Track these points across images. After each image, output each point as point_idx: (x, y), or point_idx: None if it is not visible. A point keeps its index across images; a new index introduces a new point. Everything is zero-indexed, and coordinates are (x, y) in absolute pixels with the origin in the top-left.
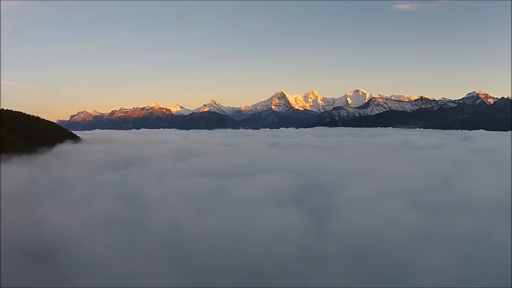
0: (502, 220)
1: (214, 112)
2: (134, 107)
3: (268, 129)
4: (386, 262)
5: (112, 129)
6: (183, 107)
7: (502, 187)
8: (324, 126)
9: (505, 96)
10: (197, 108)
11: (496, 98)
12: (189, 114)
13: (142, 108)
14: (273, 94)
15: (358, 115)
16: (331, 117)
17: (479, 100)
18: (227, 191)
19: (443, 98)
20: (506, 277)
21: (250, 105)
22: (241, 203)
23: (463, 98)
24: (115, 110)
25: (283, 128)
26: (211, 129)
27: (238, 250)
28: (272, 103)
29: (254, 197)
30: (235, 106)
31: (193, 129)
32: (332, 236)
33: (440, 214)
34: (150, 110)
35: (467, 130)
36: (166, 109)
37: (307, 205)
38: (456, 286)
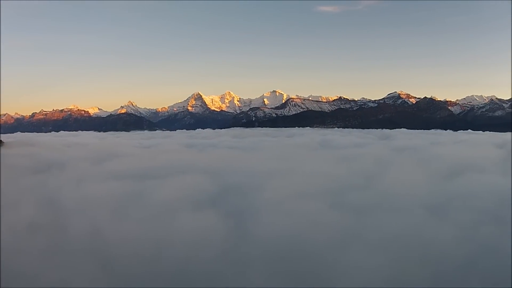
0: (430, 218)
1: (131, 113)
2: (53, 109)
3: (185, 130)
4: (312, 263)
5: (33, 131)
6: (101, 109)
7: (427, 185)
8: (240, 127)
9: (428, 96)
10: (115, 110)
11: (418, 98)
12: (107, 116)
13: (61, 110)
14: (190, 95)
15: (275, 115)
16: (248, 117)
17: (400, 100)
18: (145, 194)
19: (363, 98)
20: (440, 273)
21: (166, 107)
22: (159, 207)
23: (383, 98)
24: (36, 113)
25: (200, 129)
26: (128, 131)
27: (158, 255)
28: (188, 104)
29: (172, 200)
30: (151, 108)
31: (110, 131)
32: (253, 238)
33: (366, 213)
34: (69, 112)
35: (387, 129)
36: (85, 111)
37: (226, 207)
38: (390, 284)
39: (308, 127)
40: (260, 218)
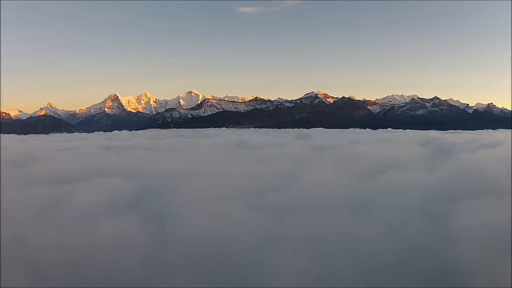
0: (356, 217)
1: (50, 115)
2: None
3: (102, 132)
4: (237, 266)
5: None
6: (21, 111)
7: (350, 184)
8: (156, 128)
9: (346, 96)
10: (35, 112)
11: (336, 98)
12: (27, 118)
13: None
14: (107, 96)
15: (191, 116)
16: (164, 118)
17: (317, 100)
18: (67, 199)
19: (279, 98)
20: (371, 271)
21: (84, 108)
22: (80, 211)
23: (300, 98)
24: None
25: (117, 131)
26: (48, 134)
27: (82, 261)
28: (105, 105)
29: (93, 204)
30: (70, 109)
31: (31, 133)
32: (175, 241)
33: (287, 213)
34: None
35: (304, 129)
36: (6, 113)
37: (146, 210)
38: (320, 285)
39: (224, 128)
40: (180, 220)
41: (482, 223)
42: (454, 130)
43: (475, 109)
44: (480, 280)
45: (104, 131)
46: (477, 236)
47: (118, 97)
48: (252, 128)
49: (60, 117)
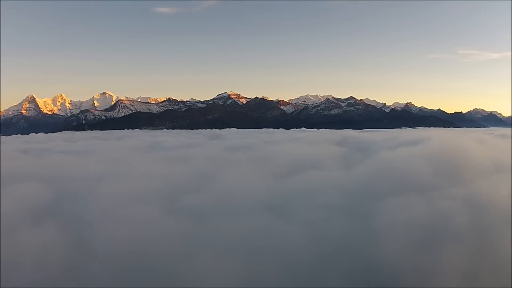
0: (275, 217)
1: None
2: None
3: (19, 135)
4: (159, 272)
5: None
6: None
7: (266, 185)
8: (71, 130)
9: (259, 96)
10: None
11: (249, 98)
12: None
13: None
14: (24, 98)
15: (105, 117)
16: (78, 120)
17: (230, 100)
18: None
19: (192, 99)
20: (297, 272)
21: (2, 110)
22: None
23: (213, 99)
24: None
25: (33, 133)
26: None
27: (4, 273)
28: (23, 107)
29: (12, 212)
30: None
31: None
32: (95, 249)
33: (205, 217)
34: None
35: (217, 129)
36: None
37: (65, 216)
38: (245, 285)
39: (137, 129)
40: (99, 227)
41: (405, 219)
42: (370, 129)
43: (392, 108)
44: (408, 276)
45: (21, 134)
46: (401, 232)
47: (35, 98)
48: (165, 129)
49: None
